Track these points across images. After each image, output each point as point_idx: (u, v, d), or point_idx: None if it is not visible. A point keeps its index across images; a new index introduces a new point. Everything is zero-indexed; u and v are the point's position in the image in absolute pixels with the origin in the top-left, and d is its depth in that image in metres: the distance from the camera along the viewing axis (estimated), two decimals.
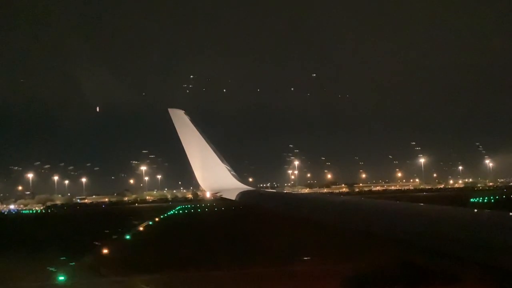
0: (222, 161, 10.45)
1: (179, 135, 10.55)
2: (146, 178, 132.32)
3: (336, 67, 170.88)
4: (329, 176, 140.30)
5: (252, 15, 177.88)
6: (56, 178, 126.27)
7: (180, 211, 63.99)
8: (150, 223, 42.51)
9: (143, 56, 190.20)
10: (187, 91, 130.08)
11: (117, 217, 53.47)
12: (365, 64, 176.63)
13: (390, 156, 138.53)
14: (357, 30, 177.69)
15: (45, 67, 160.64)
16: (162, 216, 51.00)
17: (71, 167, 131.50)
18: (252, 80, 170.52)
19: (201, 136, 10.46)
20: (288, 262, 17.55)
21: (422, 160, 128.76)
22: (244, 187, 9.89)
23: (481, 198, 58.38)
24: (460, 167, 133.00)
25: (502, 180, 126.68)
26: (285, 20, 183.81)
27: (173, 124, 10.60)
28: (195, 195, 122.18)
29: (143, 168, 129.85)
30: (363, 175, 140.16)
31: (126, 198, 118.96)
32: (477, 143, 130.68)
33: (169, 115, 10.61)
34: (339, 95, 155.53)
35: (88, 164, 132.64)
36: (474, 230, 2.55)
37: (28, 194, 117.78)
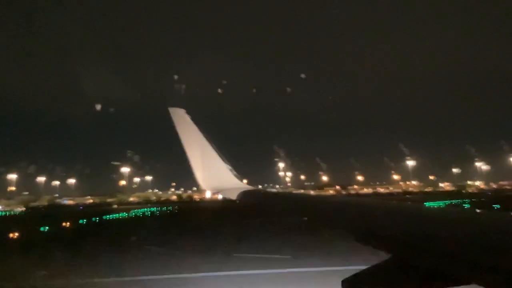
0: (224, 161, 10.23)
1: (180, 134, 10.19)
2: (137, 179, 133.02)
3: (332, 69, 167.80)
4: (324, 178, 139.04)
5: (250, 17, 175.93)
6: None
7: (127, 215, 62.34)
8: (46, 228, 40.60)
9: (139, 58, 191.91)
10: (182, 92, 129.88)
11: (52, 219, 51.58)
12: (362, 66, 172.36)
13: (387, 159, 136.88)
14: (355, 30, 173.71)
15: (40, 68, 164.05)
16: (92, 220, 49.32)
17: (63, 167, 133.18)
18: (248, 81, 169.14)
19: (202, 136, 10.25)
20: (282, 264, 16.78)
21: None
22: (245, 187, 9.66)
23: (434, 203, 55.16)
24: (454, 170, 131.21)
25: (504, 183, 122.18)
26: (282, 21, 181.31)
27: (172, 124, 10.25)
28: (179, 197, 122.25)
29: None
30: (359, 177, 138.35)
31: (109, 200, 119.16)
32: (467, 145, 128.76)
33: (169, 114, 10.34)
34: (336, 96, 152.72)
35: (80, 166, 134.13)
36: (474, 230, 2.53)
37: (26, 194, 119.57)
